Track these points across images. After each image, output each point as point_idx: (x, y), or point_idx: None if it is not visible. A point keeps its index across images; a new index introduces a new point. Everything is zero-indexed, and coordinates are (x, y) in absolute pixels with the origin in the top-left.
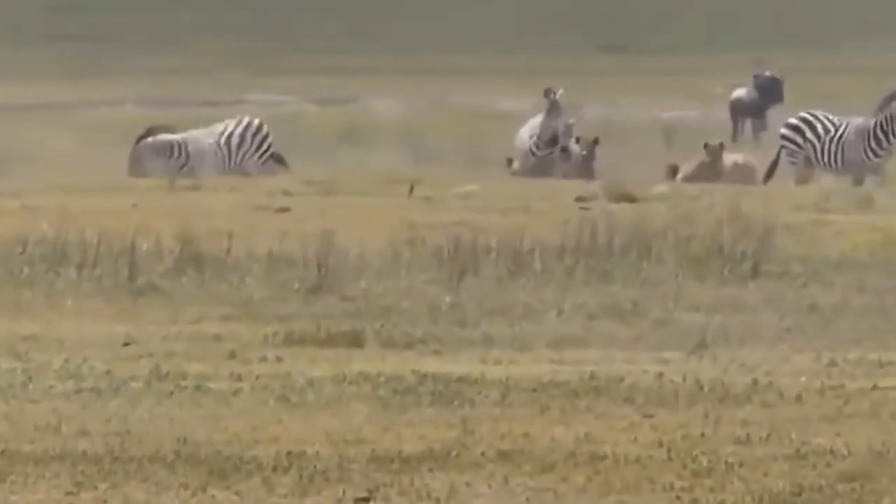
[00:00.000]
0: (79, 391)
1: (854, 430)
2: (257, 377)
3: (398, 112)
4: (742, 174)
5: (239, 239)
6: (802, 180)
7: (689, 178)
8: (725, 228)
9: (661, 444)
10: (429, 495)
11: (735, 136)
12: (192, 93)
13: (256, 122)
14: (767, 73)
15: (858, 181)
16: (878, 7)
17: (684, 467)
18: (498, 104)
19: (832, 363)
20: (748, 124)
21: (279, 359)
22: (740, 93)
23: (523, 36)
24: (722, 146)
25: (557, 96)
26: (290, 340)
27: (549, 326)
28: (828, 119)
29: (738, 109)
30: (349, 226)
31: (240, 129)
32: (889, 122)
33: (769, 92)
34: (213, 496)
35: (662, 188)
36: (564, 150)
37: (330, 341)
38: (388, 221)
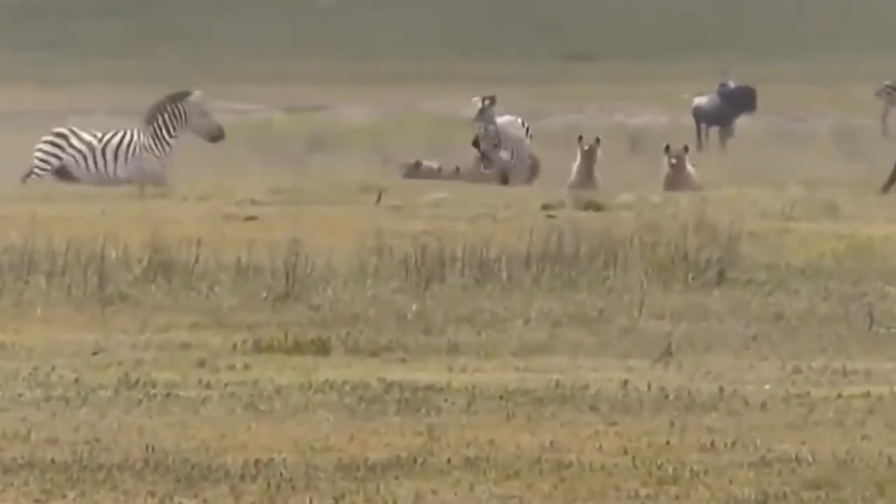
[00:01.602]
0: (47, 399)
1: (819, 438)
2: (225, 385)
3: (367, 119)
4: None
5: (207, 247)
6: None
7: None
8: (690, 236)
9: (626, 452)
10: (395, 503)
11: (699, 143)
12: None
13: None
14: (731, 83)
15: None
16: (843, 16)
17: (649, 475)
18: (466, 111)
19: (797, 371)
20: (714, 132)
21: (247, 367)
22: (701, 100)
23: (492, 43)
24: (686, 149)
25: (487, 103)
26: (258, 348)
27: (515, 334)
28: None
29: (700, 117)
30: (317, 234)
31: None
32: None
33: (739, 101)
34: None
35: (627, 196)
36: (484, 156)
37: (297, 349)
38: (355, 230)
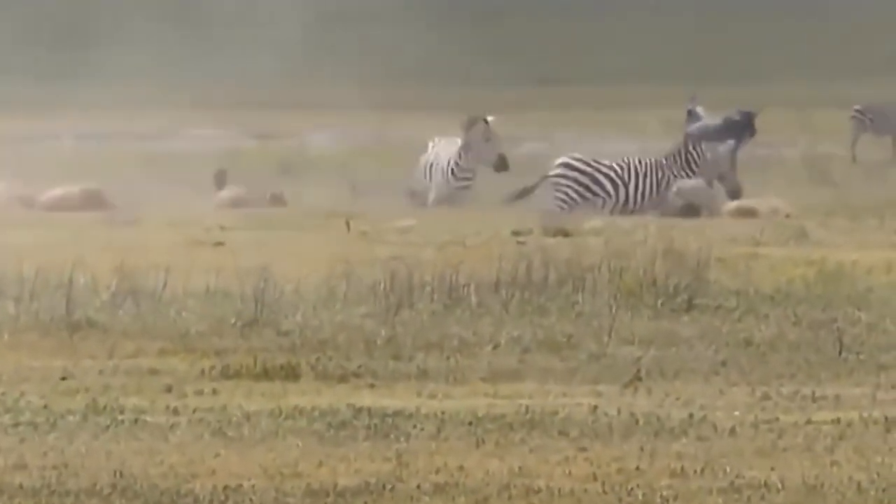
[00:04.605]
0: (16, 425)
1: (788, 464)
2: (194, 411)
3: (335, 147)
4: None
5: (176, 273)
6: None
7: None
8: (659, 262)
9: (595, 478)
10: None
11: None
12: (126, 127)
13: None
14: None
15: None
16: (804, 42)
17: (619, 500)
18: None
19: (766, 397)
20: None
21: (215, 392)
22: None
23: (459, 69)
24: None
25: (490, 123)
26: (227, 374)
27: (485, 360)
28: None
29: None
30: (285, 260)
31: None
32: None
33: (743, 127)
34: None
35: (596, 222)
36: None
37: (266, 375)
38: (324, 256)
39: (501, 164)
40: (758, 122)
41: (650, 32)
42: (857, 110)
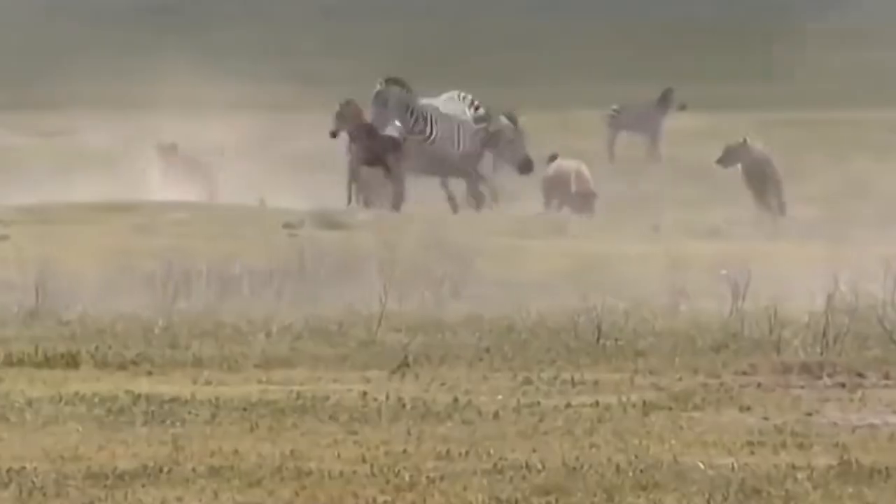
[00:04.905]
0: None
1: (549, 446)
2: None
3: (109, 143)
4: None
5: None
6: None
7: None
8: (426, 253)
9: (364, 460)
10: None
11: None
12: None
13: None
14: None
15: None
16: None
17: (387, 482)
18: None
19: (528, 381)
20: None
21: None
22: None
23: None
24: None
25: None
26: (9, 362)
27: (258, 347)
28: None
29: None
30: (66, 253)
31: None
32: None
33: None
34: None
35: (366, 215)
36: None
37: (47, 363)
38: (103, 248)
39: (526, 166)
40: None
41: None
42: (613, 110)
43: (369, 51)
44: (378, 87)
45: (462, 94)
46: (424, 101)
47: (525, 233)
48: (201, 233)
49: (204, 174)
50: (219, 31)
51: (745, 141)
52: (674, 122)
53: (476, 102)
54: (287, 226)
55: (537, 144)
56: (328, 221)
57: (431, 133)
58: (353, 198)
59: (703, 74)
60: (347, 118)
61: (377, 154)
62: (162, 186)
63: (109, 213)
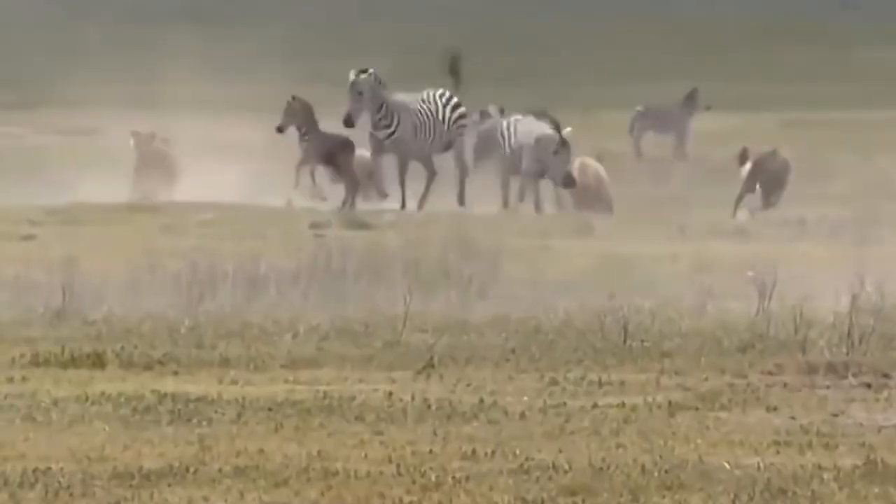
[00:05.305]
0: None
1: (575, 446)
2: (4, 397)
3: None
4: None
5: None
6: None
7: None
8: (452, 253)
9: (390, 460)
10: None
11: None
12: None
13: None
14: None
15: None
16: (590, 44)
17: (413, 482)
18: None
19: (554, 382)
20: None
21: (25, 380)
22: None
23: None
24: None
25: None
26: (36, 362)
27: (284, 348)
28: None
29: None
30: (92, 253)
31: None
32: None
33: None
34: None
35: (391, 216)
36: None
37: (73, 363)
38: (129, 248)
39: (569, 181)
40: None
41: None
42: (639, 111)
43: (391, 52)
44: (352, 76)
45: (440, 93)
46: (399, 96)
47: (552, 233)
48: (228, 233)
49: (168, 168)
50: (242, 32)
51: (775, 151)
52: (699, 123)
53: (455, 101)
54: (313, 226)
55: None
56: (354, 222)
57: (395, 128)
58: (319, 193)
59: (728, 74)
60: (295, 114)
61: (330, 153)
62: (136, 172)
63: (136, 214)
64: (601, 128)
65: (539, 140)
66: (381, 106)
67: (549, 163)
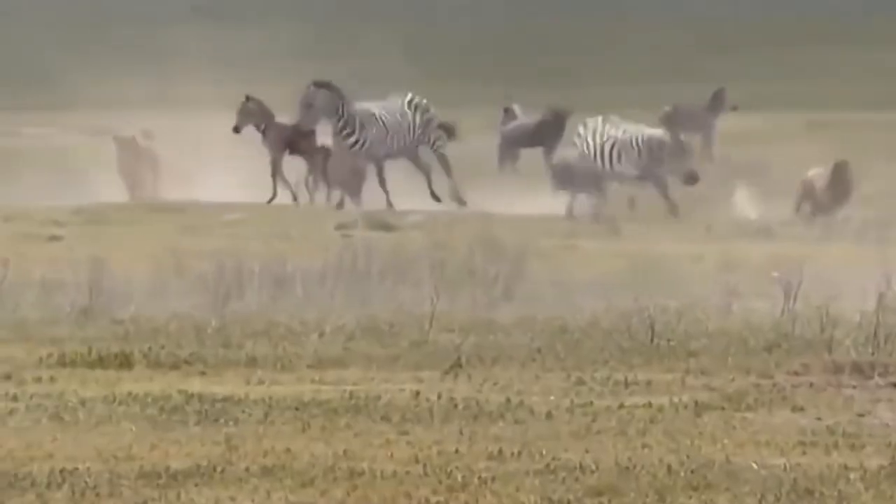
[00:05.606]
0: None
1: (601, 446)
2: (31, 397)
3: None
4: None
5: (13, 265)
6: None
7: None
8: (478, 253)
9: (417, 460)
10: None
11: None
12: None
13: None
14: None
15: None
16: (614, 44)
17: (439, 482)
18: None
19: (580, 382)
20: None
21: (52, 380)
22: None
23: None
24: None
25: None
26: (63, 362)
27: (311, 347)
28: None
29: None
30: (119, 253)
31: None
32: None
33: (555, 127)
34: None
35: (417, 216)
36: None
37: (100, 363)
38: (156, 248)
39: (692, 179)
40: (570, 123)
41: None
42: (666, 111)
43: (422, 52)
44: (306, 90)
45: (409, 98)
46: (363, 104)
47: (578, 233)
48: (254, 233)
49: (151, 166)
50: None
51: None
52: (726, 123)
53: (424, 104)
54: (340, 226)
55: None
56: (380, 222)
57: (360, 136)
58: (278, 190)
59: (755, 74)
60: (251, 114)
61: (292, 139)
62: (120, 176)
63: (162, 214)
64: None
65: (649, 141)
66: (342, 115)
67: (664, 164)
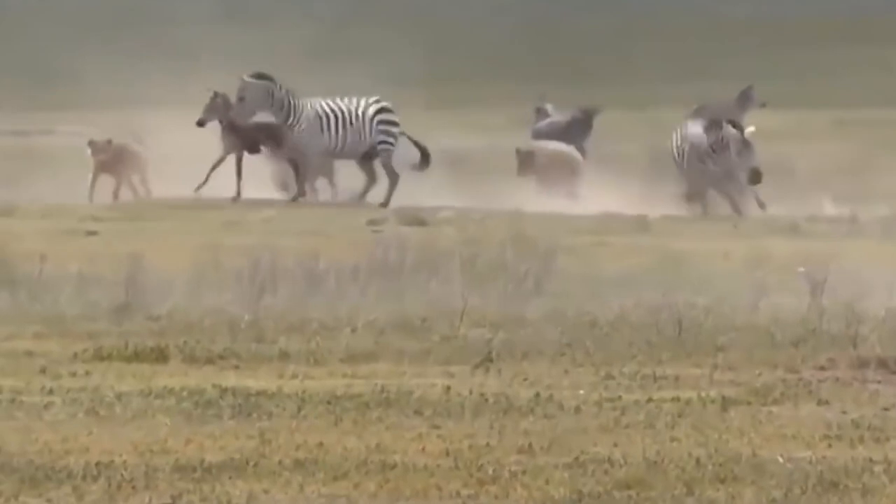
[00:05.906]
0: None
1: (630, 440)
2: (68, 391)
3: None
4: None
5: (51, 261)
6: None
7: None
8: (509, 249)
9: (448, 454)
10: (229, 502)
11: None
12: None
13: None
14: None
15: None
16: (643, 43)
17: (470, 475)
18: None
19: (609, 377)
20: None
21: (88, 374)
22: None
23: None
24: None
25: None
26: (99, 356)
27: (343, 342)
28: None
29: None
30: (155, 249)
31: None
32: None
33: (584, 124)
34: (26, 503)
35: (448, 212)
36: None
37: (136, 357)
38: (191, 244)
39: (755, 177)
40: (598, 120)
41: (492, 34)
42: (696, 109)
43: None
44: (241, 82)
45: (369, 98)
46: (313, 99)
47: (607, 229)
48: (288, 230)
49: (136, 164)
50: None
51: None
52: (754, 120)
53: (381, 106)
54: (371, 222)
55: (618, 142)
56: (412, 218)
57: (294, 123)
58: (241, 188)
59: (783, 72)
60: (217, 109)
61: (254, 140)
62: (94, 178)
63: (198, 211)
64: (658, 125)
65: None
66: (283, 108)
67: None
